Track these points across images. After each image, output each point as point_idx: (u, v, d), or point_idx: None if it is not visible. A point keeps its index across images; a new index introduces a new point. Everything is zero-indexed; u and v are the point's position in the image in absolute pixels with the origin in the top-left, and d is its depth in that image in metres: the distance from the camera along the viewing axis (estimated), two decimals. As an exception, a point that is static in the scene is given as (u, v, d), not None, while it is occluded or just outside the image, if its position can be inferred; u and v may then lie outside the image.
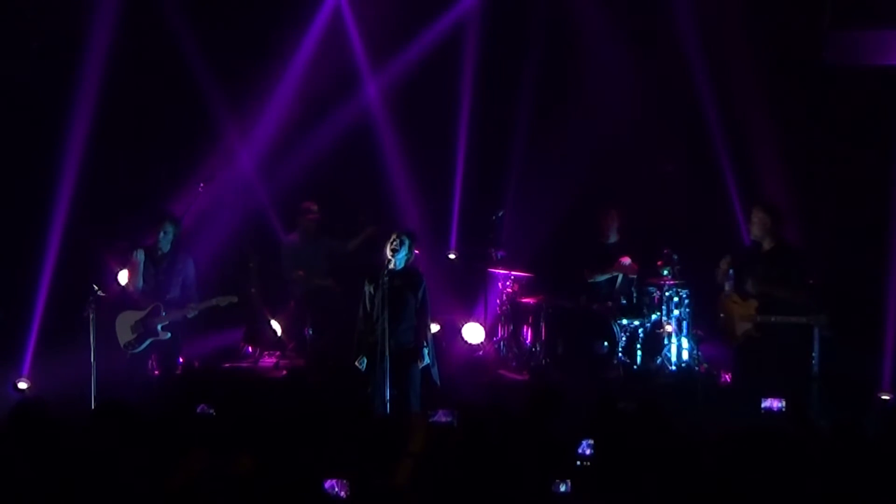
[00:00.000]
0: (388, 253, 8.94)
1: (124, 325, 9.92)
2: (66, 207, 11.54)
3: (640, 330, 11.19)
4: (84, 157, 11.70)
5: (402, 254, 8.97)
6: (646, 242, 11.46)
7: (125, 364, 9.87)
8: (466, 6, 12.74)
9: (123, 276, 10.48)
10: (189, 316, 10.06)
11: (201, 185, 11.55)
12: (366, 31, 12.76)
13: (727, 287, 9.65)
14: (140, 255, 9.96)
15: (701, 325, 11.06)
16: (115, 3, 11.77)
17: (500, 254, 11.98)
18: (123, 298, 10.08)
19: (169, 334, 9.96)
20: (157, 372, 10.30)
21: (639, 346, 11.17)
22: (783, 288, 9.50)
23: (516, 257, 12.11)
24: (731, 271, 9.65)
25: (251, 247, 12.28)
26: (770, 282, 9.48)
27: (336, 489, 5.45)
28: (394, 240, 8.98)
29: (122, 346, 9.89)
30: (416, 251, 9.32)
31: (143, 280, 9.97)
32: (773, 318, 9.43)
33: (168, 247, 10.06)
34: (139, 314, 9.92)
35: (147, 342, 9.92)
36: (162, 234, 10.01)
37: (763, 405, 6.78)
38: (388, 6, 12.59)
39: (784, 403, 6.79)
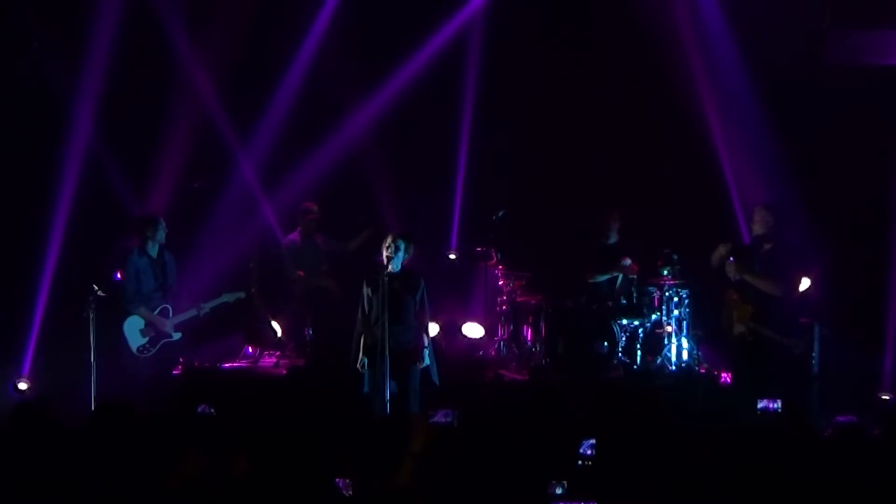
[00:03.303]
0: (385, 256, 8.95)
1: (134, 330, 9.96)
2: (66, 208, 11.53)
3: (640, 330, 11.18)
4: (84, 158, 11.69)
5: (399, 257, 8.98)
6: (646, 242, 11.46)
7: (132, 366, 9.90)
8: (471, 8, 12.73)
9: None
10: (200, 315, 10.14)
11: (196, 185, 11.57)
12: (367, 30, 12.73)
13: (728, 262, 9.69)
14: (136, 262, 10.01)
15: (701, 325, 11.07)
16: (115, 4, 11.77)
17: (499, 254, 11.98)
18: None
19: (179, 334, 10.10)
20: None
21: (639, 346, 11.17)
22: (762, 279, 9.56)
23: (516, 257, 12.11)
24: (730, 259, 9.71)
25: (251, 247, 12.26)
26: (753, 271, 9.53)
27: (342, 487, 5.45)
28: (388, 245, 8.98)
29: (134, 351, 9.94)
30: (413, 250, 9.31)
31: (144, 283, 10.01)
32: (763, 330, 9.51)
33: (160, 247, 10.15)
34: (147, 318, 9.97)
35: (160, 344, 10.03)
36: (155, 236, 10.07)
37: (759, 406, 6.80)
38: (390, 7, 12.59)
39: (780, 404, 6.81)
